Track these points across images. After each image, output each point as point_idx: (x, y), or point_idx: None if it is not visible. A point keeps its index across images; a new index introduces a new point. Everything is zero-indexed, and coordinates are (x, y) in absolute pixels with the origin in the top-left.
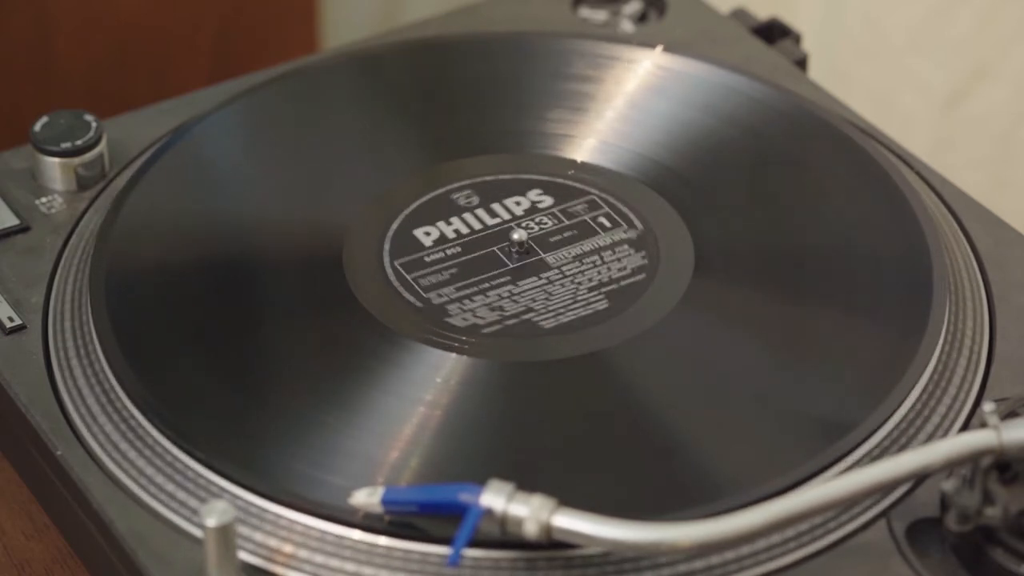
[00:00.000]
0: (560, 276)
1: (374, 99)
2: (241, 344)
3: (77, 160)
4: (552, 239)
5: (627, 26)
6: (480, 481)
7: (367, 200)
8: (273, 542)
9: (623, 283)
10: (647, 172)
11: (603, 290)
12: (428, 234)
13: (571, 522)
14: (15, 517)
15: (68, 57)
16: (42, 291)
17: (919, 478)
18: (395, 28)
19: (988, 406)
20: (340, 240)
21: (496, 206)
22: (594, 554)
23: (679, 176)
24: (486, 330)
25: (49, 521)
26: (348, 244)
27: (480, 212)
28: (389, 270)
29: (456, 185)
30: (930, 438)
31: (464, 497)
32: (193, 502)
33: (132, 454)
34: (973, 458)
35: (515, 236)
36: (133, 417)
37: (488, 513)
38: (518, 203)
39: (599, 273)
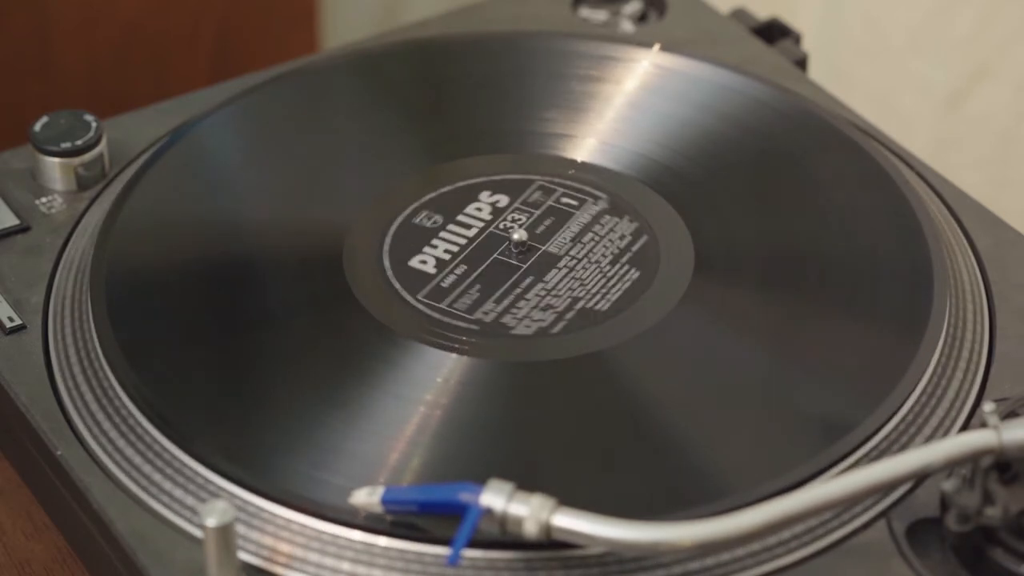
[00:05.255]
0: (575, 261)
1: (374, 99)
2: (241, 344)
3: (77, 160)
4: (537, 231)
5: (627, 26)
6: (480, 481)
7: (367, 200)
8: (273, 542)
9: (634, 248)
10: (647, 172)
11: (623, 260)
12: (424, 262)
13: (571, 522)
14: (15, 517)
15: (68, 57)
16: (42, 291)
17: (919, 478)
18: (395, 28)
19: (988, 406)
20: (340, 240)
21: (462, 218)
22: (594, 554)
23: (679, 176)
24: (553, 330)
25: (49, 521)
26: (348, 244)
27: (454, 228)
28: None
29: (412, 209)
30: (930, 438)
31: (464, 497)
32: (193, 502)
33: (132, 454)
34: (973, 458)
35: (515, 236)
36: (133, 417)
37: (488, 513)
38: (479, 209)
39: (605, 247)
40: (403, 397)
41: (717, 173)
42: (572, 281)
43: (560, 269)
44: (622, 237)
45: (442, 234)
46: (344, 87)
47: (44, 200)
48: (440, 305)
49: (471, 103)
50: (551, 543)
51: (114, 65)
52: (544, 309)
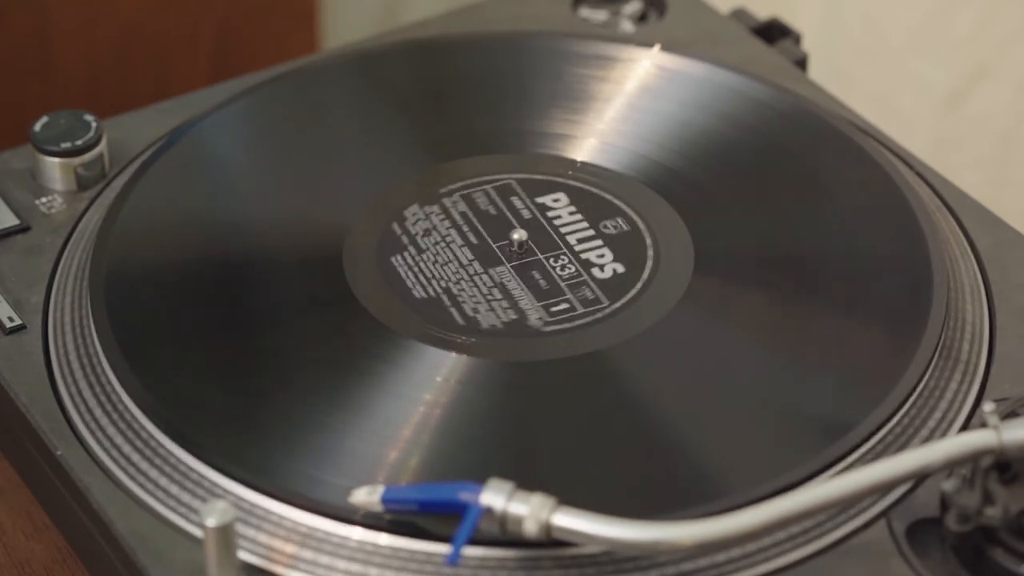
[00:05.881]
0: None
1: (374, 99)
2: (241, 344)
3: (77, 160)
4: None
5: (627, 26)
6: (480, 480)
7: (367, 200)
8: (273, 542)
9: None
10: (647, 172)
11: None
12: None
13: (571, 521)
14: (15, 517)
15: (68, 57)
16: (42, 291)
17: (919, 478)
18: (395, 28)
19: (988, 406)
20: (340, 240)
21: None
22: (594, 553)
23: (679, 176)
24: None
25: (49, 521)
26: (348, 244)
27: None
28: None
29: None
30: (930, 438)
31: (464, 496)
32: (193, 502)
33: (132, 454)
34: (973, 458)
35: (515, 236)
36: (133, 417)
37: (488, 512)
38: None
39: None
40: (403, 397)
41: (717, 173)
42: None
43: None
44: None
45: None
46: (344, 87)
47: (44, 200)
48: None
49: (471, 103)
50: (551, 542)
51: (114, 65)
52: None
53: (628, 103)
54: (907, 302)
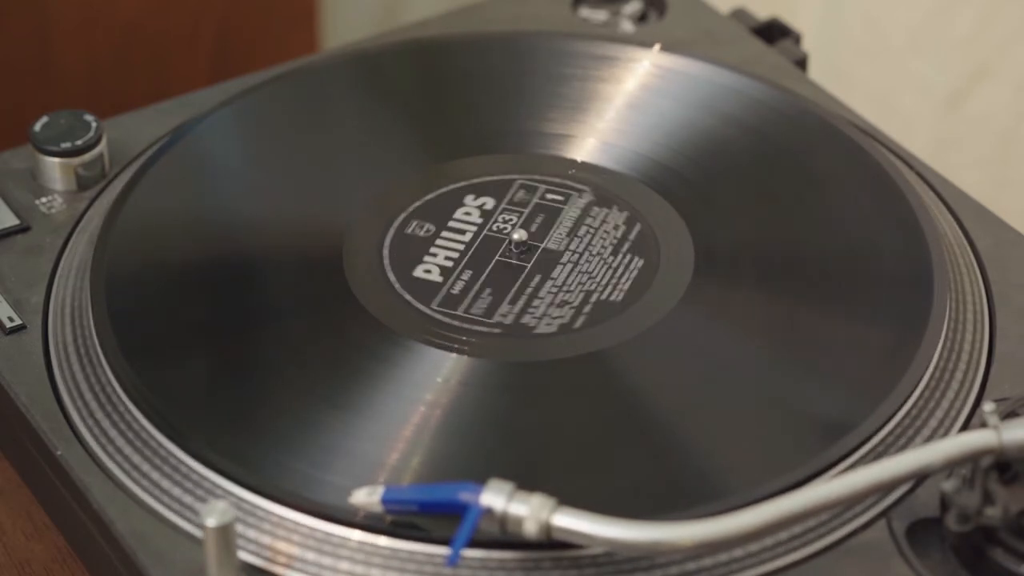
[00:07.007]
0: (576, 255)
1: (374, 99)
2: (241, 344)
3: (77, 160)
4: (534, 229)
5: (627, 26)
6: (480, 480)
7: (367, 200)
8: (273, 542)
9: (631, 238)
10: (647, 172)
11: (623, 250)
12: (428, 272)
13: (571, 521)
14: (15, 517)
15: (68, 57)
16: (42, 291)
17: (919, 478)
18: (395, 28)
19: (988, 406)
20: (340, 240)
21: (461, 218)
22: (594, 554)
23: (679, 176)
24: (574, 326)
25: (49, 521)
26: (348, 244)
27: (453, 227)
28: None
29: (412, 209)
30: (930, 438)
31: (464, 496)
32: (193, 502)
33: (132, 454)
34: (973, 458)
35: (515, 237)
36: (133, 417)
37: (488, 512)
38: (479, 209)
39: (603, 240)
40: (403, 397)
41: (717, 173)
42: (580, 275)
43: (565, 265)
44: (616, 227)
45: (442, 234)
46: (344, 87)
47: (44, 200)
48: (442, 304)
49: (471, 103)
50: (551, 543)
51: (114, 65)
52: (560, 305)
53: (628, 103)
54: (907, 302)
